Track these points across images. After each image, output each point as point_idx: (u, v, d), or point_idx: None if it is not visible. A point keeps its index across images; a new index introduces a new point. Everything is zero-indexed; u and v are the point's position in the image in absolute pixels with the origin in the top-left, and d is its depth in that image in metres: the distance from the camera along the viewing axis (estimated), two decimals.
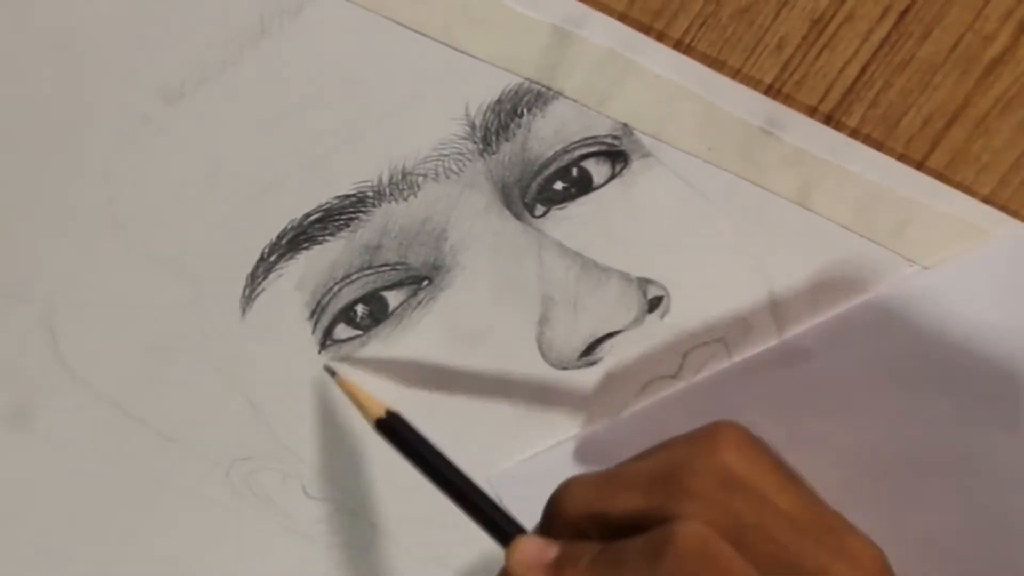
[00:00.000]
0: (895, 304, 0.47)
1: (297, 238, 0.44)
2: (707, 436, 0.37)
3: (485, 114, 0.44)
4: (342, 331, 0.45)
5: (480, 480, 0.43)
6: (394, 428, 0.43)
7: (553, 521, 0.38)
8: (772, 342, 0.47)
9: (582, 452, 0.48)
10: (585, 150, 0.46)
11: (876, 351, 0.47)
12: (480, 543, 0.44)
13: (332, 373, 0.45)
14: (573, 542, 0.37)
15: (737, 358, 0.48)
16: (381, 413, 0.43)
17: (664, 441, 0.39)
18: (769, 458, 0.37)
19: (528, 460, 0.48)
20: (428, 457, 0.42)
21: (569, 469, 0.45)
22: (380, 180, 0.44)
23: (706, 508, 0.35)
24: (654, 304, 0.47)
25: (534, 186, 0.46)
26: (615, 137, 0.45)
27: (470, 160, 0.45)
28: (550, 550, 0.37)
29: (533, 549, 0.37)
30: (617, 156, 0.46)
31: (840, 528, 0.37)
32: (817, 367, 0.47)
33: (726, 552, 0.34)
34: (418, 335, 0.46)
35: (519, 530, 0.40)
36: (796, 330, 0.47)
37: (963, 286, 0.46)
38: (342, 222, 0.44)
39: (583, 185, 0.46)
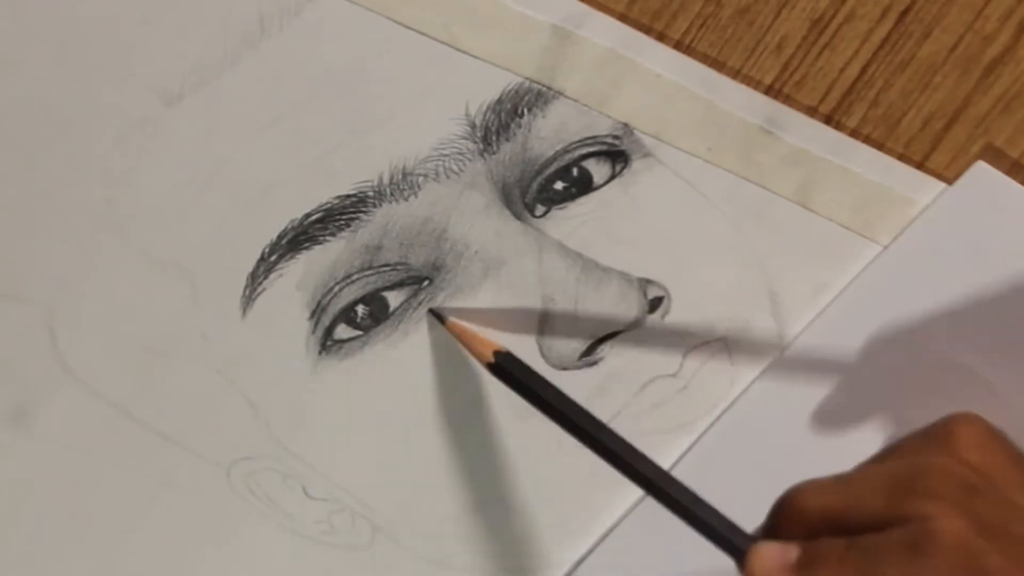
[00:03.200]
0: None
1: (297, 238, 0.44)
2: (945, 433, 0.37)
3: (485, 114, 0.44)
4: (343, 331, 0.45)
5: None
6: (506, 368, 0.43)
7: (784, 523, 0.37)
8: (772, 341, 0.48)
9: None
10: (585, 150, 0.46)
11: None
12: (481, 543, 0.44)
13: (440, 319, 0.45)
14: (813, 541, 0.36)
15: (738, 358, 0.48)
16: (491, 357, 0.43)
17: (899, 440, 0.38)
18: (1008, 452, 0.37)
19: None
20: (543, 394, 0.42)
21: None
22: (380, 180, 0.44)
23: (949, 509, 0.35)
24: (655, 304, 0.47)
25: (534, 186, 0.46)
26: (615, 137, 0.45)
27: (470, 160, 0.45)
28: (791, 552, 0.36)
29: (775, 552, 0.37)
30: (617, 156, 0.46)
31: None
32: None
33: (986, 549, 0.34)
34: (419, 335, 0.46)
35: (652, 465, 0.39)
36: (796, 329, 0.48)
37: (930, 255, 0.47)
38: (342, 222, 0.44)
39: (583, 185, 0.46)
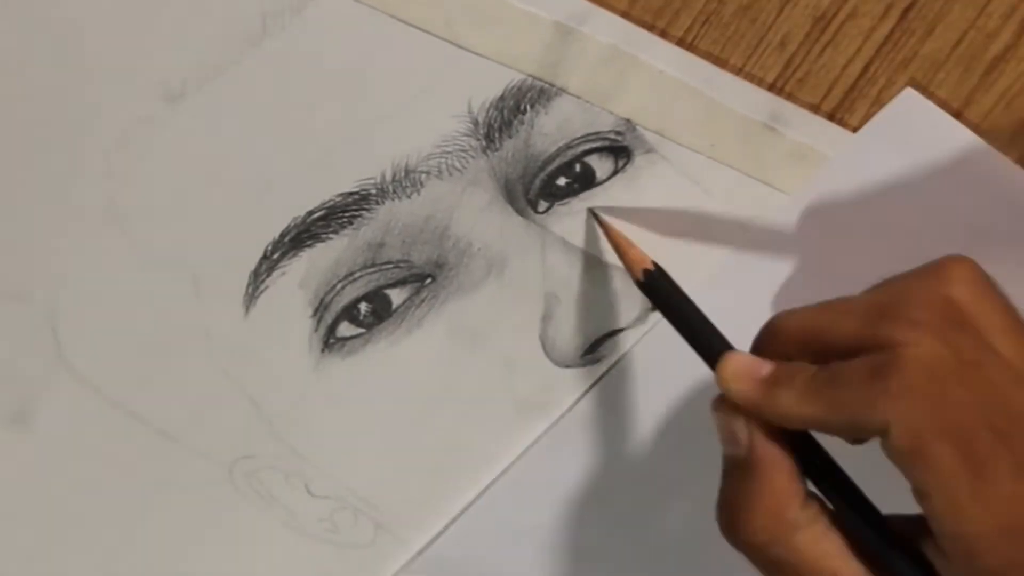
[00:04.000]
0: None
1: (300, 236, 0.44)
2: (936, 269, 0.36)
3: (488, 111, 0.44)
4: (345, 329, 0.45)
5: None
6: (657, 283, 0.43)
7: (763, 342, 0.38)
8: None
9: None
10: (588, 146, 0.46)
11: None
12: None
13: (598, 219, 0.45)
14: (787, 362, 0.36)
15: None
16: (648, 265, 0.43)
17: (891, 276, 0.38)
18: (998, 298, 0.36)
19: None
20: (687, 315, 0.41)
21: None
22: (383, 177, 0.44)
23: (926, 337, 0.34)
24: None
25: (537, 182, 0.46)
26: (618, 133, 0.45)
27: (473, 157, 0.45)
28: (763, 366, 0.37)
29: (745, 362, 0.37)
30: (620, 152, 0.46)
31: None
32: None
33: (952, 382, 0.33)
34: (421, 333, 0.46)
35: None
36: None
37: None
38: (345, 220, 0.44)
39: (586, 181, 0.46)
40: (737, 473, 0.37)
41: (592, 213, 0.45)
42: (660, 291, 0.42)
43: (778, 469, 0.36)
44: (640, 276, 0.43)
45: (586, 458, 0.48)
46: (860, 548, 0.36)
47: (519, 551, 0.48)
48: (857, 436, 0.35)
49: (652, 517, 0.49)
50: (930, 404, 0.33)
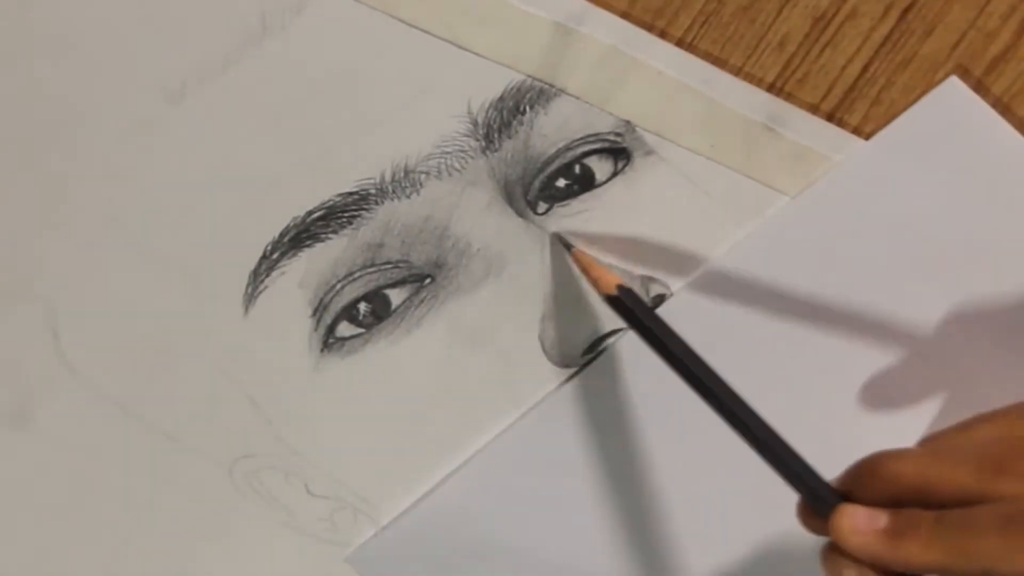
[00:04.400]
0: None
1: (300, 235, 0.44)
2: None
3: (487, 111, 0.44)
4: (345, 329, 0.45)
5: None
6: (625, 304, 0.43)
7: (868, 487, 0.37)
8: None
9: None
10: (588, 147, 0.46)
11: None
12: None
13: (568, 246, 0.45)
14: (902, 511, 0.36)
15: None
16: (612, 290, 0.43)
17: (986, 414, 0.38)
18: None
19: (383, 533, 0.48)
20: (657, 332, 0.41)
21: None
22: (383, 178, 0.44)
23: None
24: (657, 302, 0.47)
25: (536, 183, 0.46)
26: (618, 134, 0.45)
27: (472, 157, 0.45)
28: (880, 518, 0.37)
29: (865, 516, 0.37)
30: (620, 153, 0.46)
31: None
32: None
33: None
34: (421, 333, 0.46)
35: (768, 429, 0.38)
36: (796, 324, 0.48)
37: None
38: (345, 219, 0.44)
39: (586, 182, 0.46)
40: None
41: (558, 238, 0.46)
42: (631, 310, 0.43)
43: None
44: (612, 291, 0.43)
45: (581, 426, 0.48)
46: None
47: (513, 511, 0.48)
48: None
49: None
50: None
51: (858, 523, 0.37)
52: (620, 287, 0.43)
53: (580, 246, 0.46)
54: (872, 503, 0.37)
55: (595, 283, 0.44)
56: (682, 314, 0.46)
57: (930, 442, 0.39)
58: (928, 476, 0.36)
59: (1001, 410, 0.38)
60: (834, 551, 0.37)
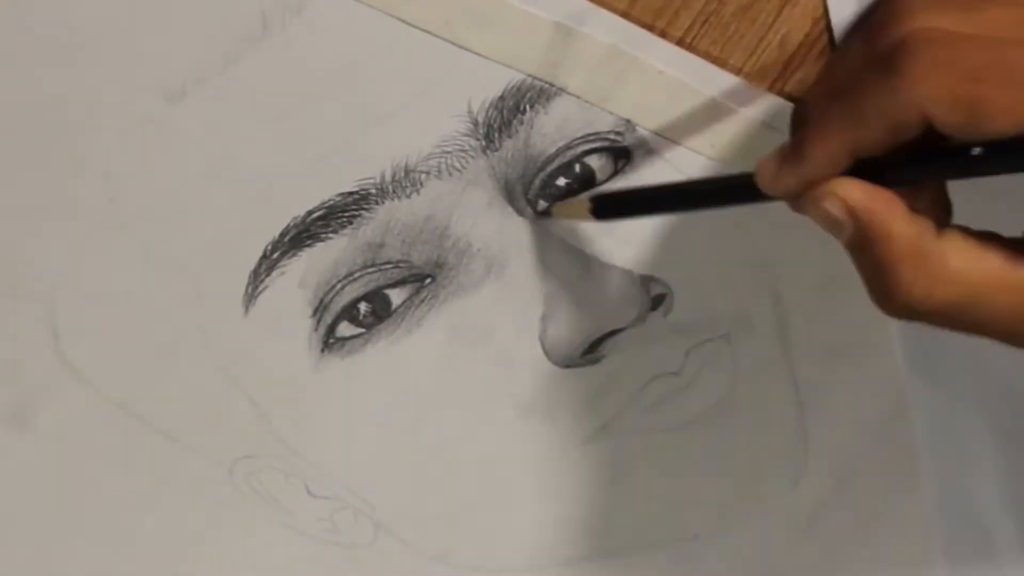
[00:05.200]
0: None
1: (300, 235, 0.44)
2: None
3: (488, 111, 0.44)
4: (345, 329, 0.45)
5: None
6: (607, 207, 0.43)
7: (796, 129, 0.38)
8: (775, 339, 0.48)
9: None
10: (588, 146, 0.46)
11: None
12: (483, 541, 0.44)
13: (549, 215, 0.45)
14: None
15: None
16: (589, 206, 0.43)
17: None
18: None
19: None
20: (656, 197, 0.42)
21: None
22: (383, 177, 0.44)
23: (922, 14, 0.34)
24: (657, 302, 0.47)
25: (537, 182, 0.46)
26: (618, 133, 0.45)
27: (473, 157, 0.45)
28: (782, 149, 0.37)
29: (767, 160, 0.38)
30: (620, 152, 0.46)
31: None
32: None
33: (962, 41, 0.33)
34: (421, 333, 0.46)
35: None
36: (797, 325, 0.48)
37: None
38: (345, 219, 0.44)
39: (586, 181, 0.46)
40: (863, 250, 0.35)
41: (543, 213, 0.46)
42: (619, 209, 0.43)
43: (889, 215, 0.35)
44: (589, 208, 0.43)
45: None
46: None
47: None
48: (898, 139, 0.34)
49: None
50: (953, 67, 0.32)
51: (768, 169, 0.37)
52: (592, 199, 0.43)
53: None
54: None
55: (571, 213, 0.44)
56: None
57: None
58: (833, 76, 0.36)
59: None
60: (807, 202, 0.37)
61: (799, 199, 0.37)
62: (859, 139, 0.35)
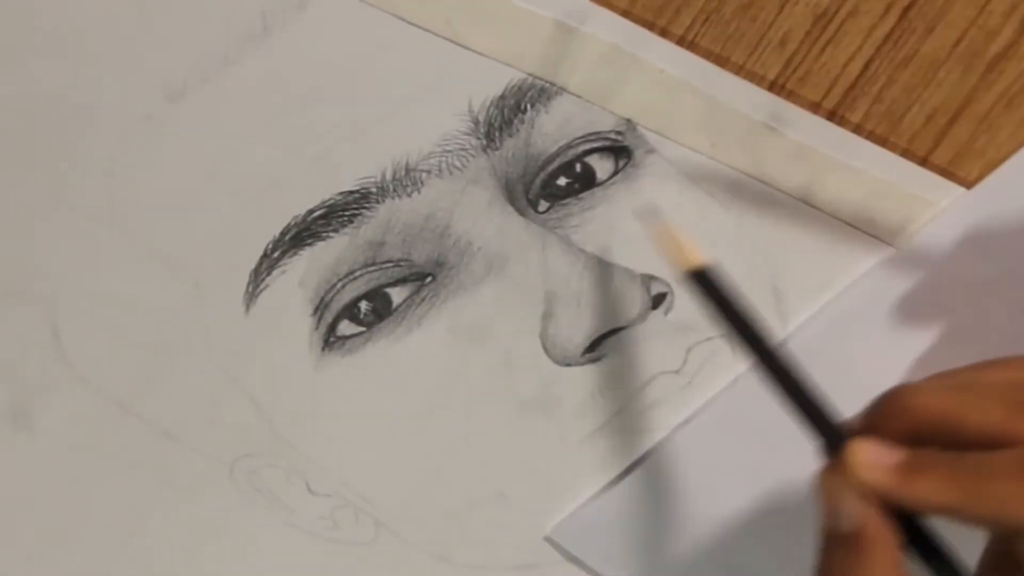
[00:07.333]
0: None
1: (300, 234, 0.44)
2: None
3: (488, 110, 0.44)
4: (346, 327, 0.45)
5: (537, 537, 0.44)
6: (705, 282, 0.39)
7: (887, 420, 0.35)
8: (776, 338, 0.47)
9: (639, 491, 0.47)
10: (588, 146, 0.46)
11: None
12: (484, 539, 0.44)
13: (651, 220, 0.42)
14: (919, 449, 0.34)
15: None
16: (694, 265, 0.39)
17: (1001, 358, 0.36)
18: None
19: (585, 507, 0.47)
20: (738, 317, 0.38)
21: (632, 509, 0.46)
22: (383, 176, 0.44)
23: None
24: (658, 300, 0.47)
25: (537, 182, 0.46)
26: (619, 133, 0.45)
27: (473, 156, 0.45)
28: (894, 454, 0.34)
29: (877, 452, 0.34)
30: (621, 152, 0.46)
31: None
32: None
33: None
34: (422, 331, 0.46)
35: (833, 422, 0.36)
36: (798, 323, 0.48)
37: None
38: (345, 218, 0.44)
39: (587, 181, 0.46)
40: (840, 548, 0.35)
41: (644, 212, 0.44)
42: (711, 290, 0.39)
43: (888, 546, 0.34)
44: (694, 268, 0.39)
45: None
46: None
47: None
48: (997, 529, 0.34)
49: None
50: None
51: (873, 456, 0.35)
52: (701, 266, 0.39)
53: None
54: (892, 438, 0.35)
55: (675, 258, 0.40)
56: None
57: (946, 378, 0.36)
58: (954, 409, 0.34)
59: (1017, 356, 0.36)
60: (834, 476, 0.35)
61: (832, 474, 0.35)
62: (961, 511, 0.33)
